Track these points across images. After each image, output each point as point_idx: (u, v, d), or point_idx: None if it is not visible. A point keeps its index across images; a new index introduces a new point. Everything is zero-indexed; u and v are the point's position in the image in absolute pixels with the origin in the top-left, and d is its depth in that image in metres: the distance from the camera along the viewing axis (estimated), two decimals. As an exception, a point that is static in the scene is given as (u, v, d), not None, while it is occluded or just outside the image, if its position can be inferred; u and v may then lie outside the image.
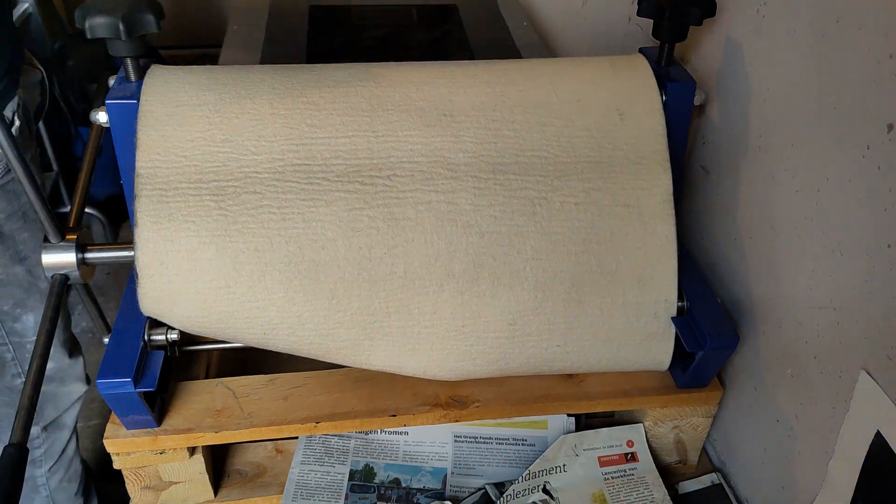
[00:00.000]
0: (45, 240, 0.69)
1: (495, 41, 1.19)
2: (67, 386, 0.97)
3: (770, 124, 0.74)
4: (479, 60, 0.79)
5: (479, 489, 0.81)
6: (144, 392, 0.69)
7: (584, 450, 0.82)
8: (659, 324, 0.73)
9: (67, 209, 0.93)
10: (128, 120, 0.70)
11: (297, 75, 0.74)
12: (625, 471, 0.82)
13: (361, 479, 0.81)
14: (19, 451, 0.56)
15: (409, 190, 0.69)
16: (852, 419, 0.64)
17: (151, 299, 0.68)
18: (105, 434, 0.73)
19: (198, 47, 1.53)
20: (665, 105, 0.75)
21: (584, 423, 0.86)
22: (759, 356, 0.79)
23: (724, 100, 0.82)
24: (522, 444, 0.84)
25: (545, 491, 0.79)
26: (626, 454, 0.83)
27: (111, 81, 0.73)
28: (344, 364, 0.73)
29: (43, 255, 0.68)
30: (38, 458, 1.03)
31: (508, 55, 1.14)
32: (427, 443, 0.84)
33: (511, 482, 0.81)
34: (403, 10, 1.27)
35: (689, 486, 0.85)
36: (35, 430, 1.00)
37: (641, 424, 0.84)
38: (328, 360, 0.73)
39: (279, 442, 0.87)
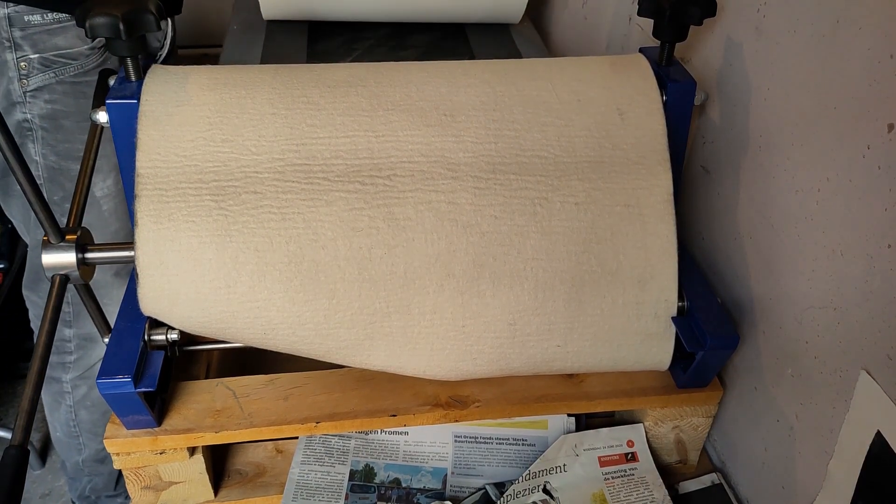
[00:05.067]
0: (46, 240, 0.69)
1: (495, 41, 1.19)
2: (107, 308, 0.99)
3: (770, 124, 0.74)
4: (479, 60, 0.79)
5: (480, 489, 0.81)
6: (144, 392, 0.69)
7: (584, 450, 0.82)
8: (659, 324, 0.73)
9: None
10: (128, 120, 0.70)
11: (297, 75, 0.74)
12: (625, 471, 0.82)
13: (362, 479, 0.81)
14: (20, 452, 0.56)
15: (410, 190, 0.69)
16: (852, 419, 0.64)
17: (151, 299, 0.68)
18: (105, 434, 0.73)
19: (198, 47, 1.53)
20: (665, 105, 0.75)
21: (585, 423, 0.86)
22: (759, 356, 0.79)
23: (725, 100, 0.82)
24: (522, 444, 0.84)
25: (545, 491, 0.79)
26: (627, 454, 0.83)
27: (111, 81, 0.73)
28: (344, 364, 0.73)
29: (43, 256, 0.68)
30: (68, 362, 1.09)
31: (508, 55, 1.14)
32: (427, 443, 0.84)
33: (511, 482, 0.81)
34: (403, 9, 1.27)
35: (689, 486, 0.85)
36: (69, 332, 1.03)
37: (642, 424, 0.84)
38: (328, 360, 0.73)
39: (279, 442, 0.87)
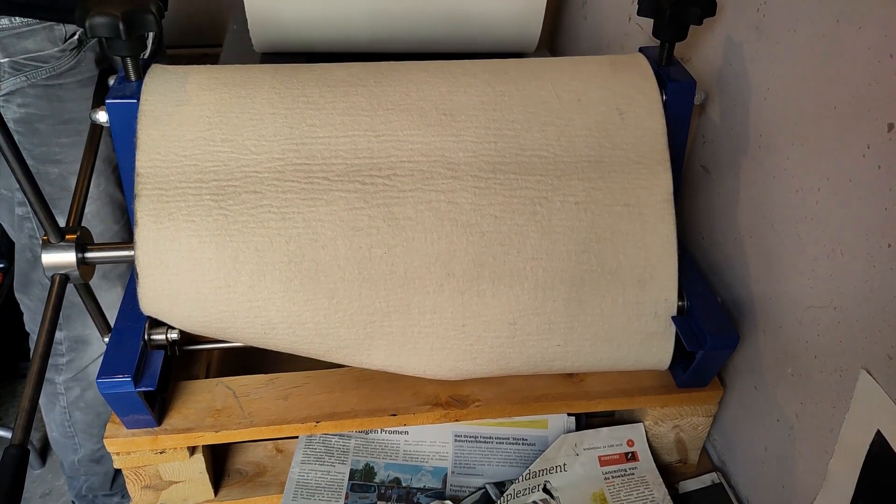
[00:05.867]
0: (45, 240, 0.69)
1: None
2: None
3: (770, 124, 0.74)
4: (479, 60, 0.79)
5: (480, 489, 0.81)
6: (144, 391, 0.69)
7: (584, 449, 0.82)
8: (659, 323, 0.73)
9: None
10: (128, 119, 0.70)
11: (297, 75, 0.74)
12: (625, 470, 0.82)
13: (362, 479, 0.81)
14: (20, 452, 0.56)
15: (409, 189, 0.69)
16: (853, 418, 0.64)
17: (151, 299, 0.68)
18: (105, 433, 0.73)
19: (198, 47, 1.53)
20: (665, 104, 0.75)
21: (585, 422, 0.86)
22: (759, 356, 0.79)
23: (725, 99, 0.82)
24: (523, 444, 0.84)
25: (545, 490, 0.79)
26: (627, 454, 0.83)
27: (111, 81, 0.73)
28: (344, 363, 0.73)
29: (43, 256, 0.68)
30: (61, 364, 1.10)
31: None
32: (427, 442, 0.84)
33: (511, 482, 0.81)
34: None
35: (689, 485, 0.85)
36: (59, 335, 1.04)
37: (642, 424, 0.84)
38: (328, 360, 0.73)
39: (279, 441, 0.87)
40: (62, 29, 0.88)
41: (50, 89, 0.90)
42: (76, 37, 0.90)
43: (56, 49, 0.88)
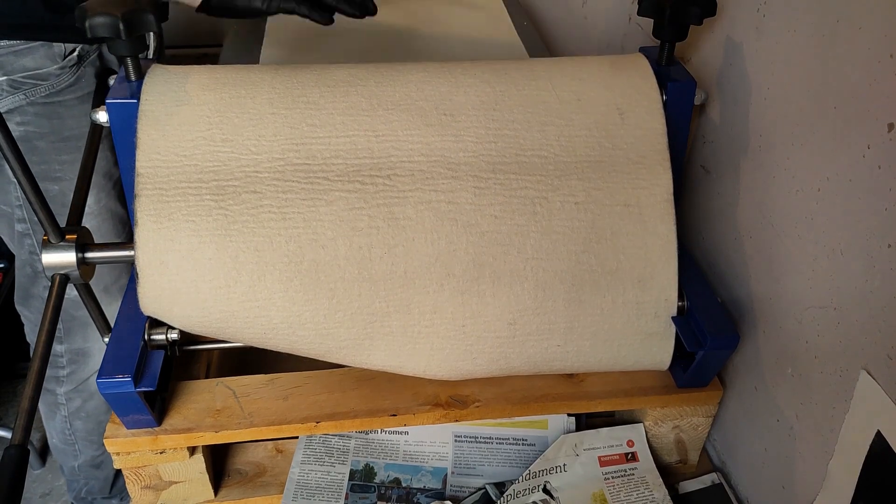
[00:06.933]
0: (45, 240, 0.69)
1: (495, 41, 1.19)
2: (91, 327, 0.98)
3: (770, 124, 0.74)
4: (479, 60, 0.79)
5: (480, 489, 0.81)
6: (144, 391, 0.69)
7: (584, 449, 0.82)
8: (659, 323, 0.73)
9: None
10: (128, 119, 0.70)
11: (297, 75, 0.74)
12: (625, 470, 0.82)
13: (362, 479, 0.81)
14: (20, 452, 0.56)
15: (410, 189, 0.69)
16: (853, 419, 0.64)
17: (151, 299, 0.68)
18: (105, 433, 0.73)
19: (198, 47, 1.52)
20: (665, 104, 0.75)
21: (585, 422, 0.86)
22: (759, 356, 0.79)
23: (725, 99, 0.82)
24: (523, 444, 0.84)
25: (545, 491, 0.79)
26: (627, 454, 0.83)
27: (111, 81, 0.73)
28: (344, 364, 0.73)
29: (43, 255, 0.68)
30: (62, 376, 1.10)
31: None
32: (427, 442, 0.84)
33: (511, 482, 0.81)
34: (403, 9, 1.27)
35: (689, 485, 0.85)
36: (60, 348, 1.04)
37: (642, 424, 0.84)
38: (328, 360, 0.73)
39: (279, 441, 0.87)
40: (61, 46, 0.87)
41: (49, 107, 0.89)
42: (76, 53, 0.89)
43: (55, 66, 0.87)
